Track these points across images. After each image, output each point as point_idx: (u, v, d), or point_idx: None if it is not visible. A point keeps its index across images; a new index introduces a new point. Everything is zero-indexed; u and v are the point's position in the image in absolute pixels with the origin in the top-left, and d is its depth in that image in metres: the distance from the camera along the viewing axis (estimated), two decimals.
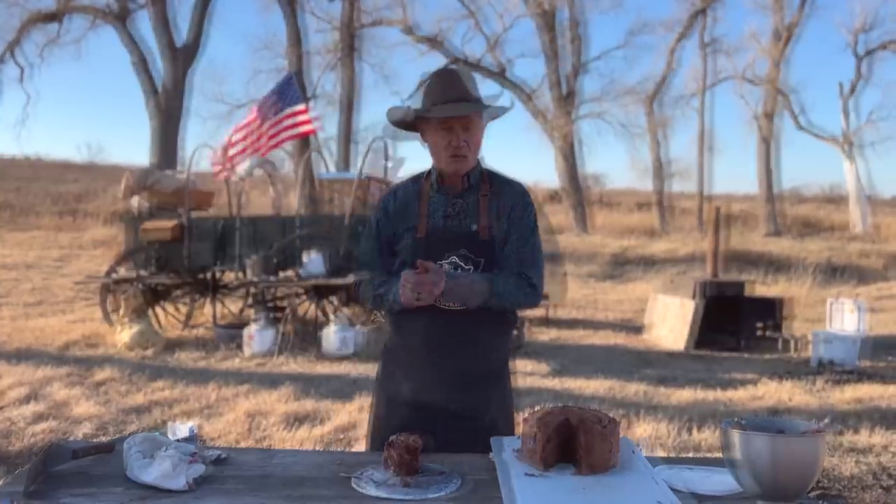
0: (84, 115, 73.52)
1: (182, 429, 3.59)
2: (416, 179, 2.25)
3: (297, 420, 4.75)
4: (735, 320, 8.54)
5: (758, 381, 6.53)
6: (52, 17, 25.58)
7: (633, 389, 6.02)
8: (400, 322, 2.18)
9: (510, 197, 2.18)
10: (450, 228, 2.15)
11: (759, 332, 8.56)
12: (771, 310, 8.64)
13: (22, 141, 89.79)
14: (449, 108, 2.08)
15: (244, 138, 8.74)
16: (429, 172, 2.23)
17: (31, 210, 24.49)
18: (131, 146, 67.59)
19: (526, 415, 1.81)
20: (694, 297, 8.33)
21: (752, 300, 8.84)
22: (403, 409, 2.15)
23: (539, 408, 1.77)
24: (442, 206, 2.17)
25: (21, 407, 4.80)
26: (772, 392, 6.05)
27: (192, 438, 3.52)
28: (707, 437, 4.69)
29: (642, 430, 4.71)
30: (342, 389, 5.69)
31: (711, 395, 5.95)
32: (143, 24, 25.90)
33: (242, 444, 4.27)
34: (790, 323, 8.99)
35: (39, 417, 4.57)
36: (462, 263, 2.12)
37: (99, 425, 4.51)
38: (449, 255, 2.13)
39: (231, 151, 8.85)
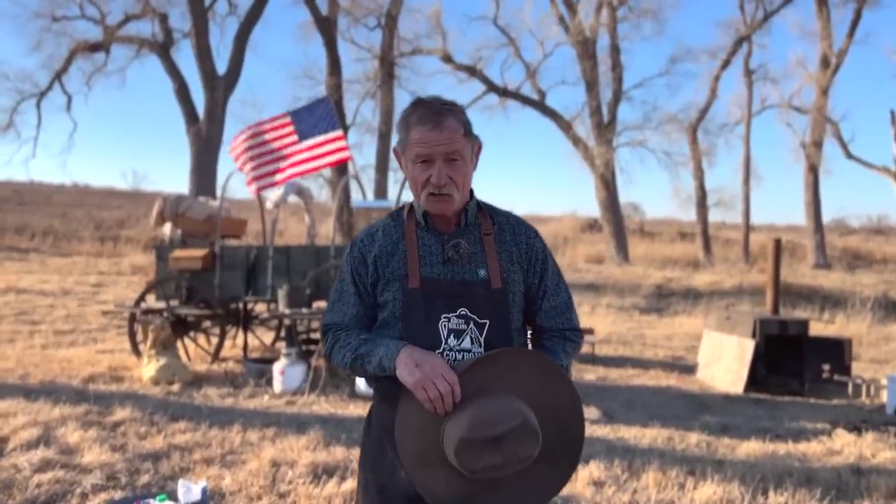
0: (129, 142, 75.56)
1: (194, 490, 3.20)
2: (396, 217, 1.84)
3: (325, 472, 4.32)
4: (797, 361, 7.90)
5: (831, 431, 5.92)
6: (99, 46, 26.13)
7: (695, 440, 5.46)
8: (389, 393, 1.74)
9: (522, 241, 1.82)
10: (451, 276, 1.73)
11: (825, 375, 7.90)
12: (837, 350, 7.98)
13: (68, 168, 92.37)
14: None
15: (275, 149, 8.40)
16: (411, 207, 1.82)
17: (74, 236, 24.79)
18: (174, 173, 69.00)
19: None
20: (754, 335, 7.74)
21: (816, 339, 8.19)
22: (402, 502, 1.75)
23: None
24: (436, 247, 1.76)
25: (29, 452, 4.44)
26: (850, 446, 5.44)
27: (203, 502, 3.11)
28: (784, 500, 4.14)
29: (711, 492, 4.18)
30: None
31: (782, 447, 5.37)
32: (186, 52, 26.34)
33: (264, 500, 3.86)
34: (857, 364, 8.33)
35: (47, 465, 4.21)
36: (463, 326, 1.72)
37: (110, 475, 4.13)
38: (449, 313, 1.71)
39: (257, 169, 8.50)
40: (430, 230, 1.79)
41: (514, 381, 1.63)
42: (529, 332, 1.93)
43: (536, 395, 1.64)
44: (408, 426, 1.65)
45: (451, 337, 1.73)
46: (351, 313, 1.83)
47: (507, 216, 1.88)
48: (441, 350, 1.72)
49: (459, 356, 1.72)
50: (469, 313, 1.72)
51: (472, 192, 1.84)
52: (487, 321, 1.73)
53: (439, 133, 1.71)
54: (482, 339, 1.73)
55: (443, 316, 1.72)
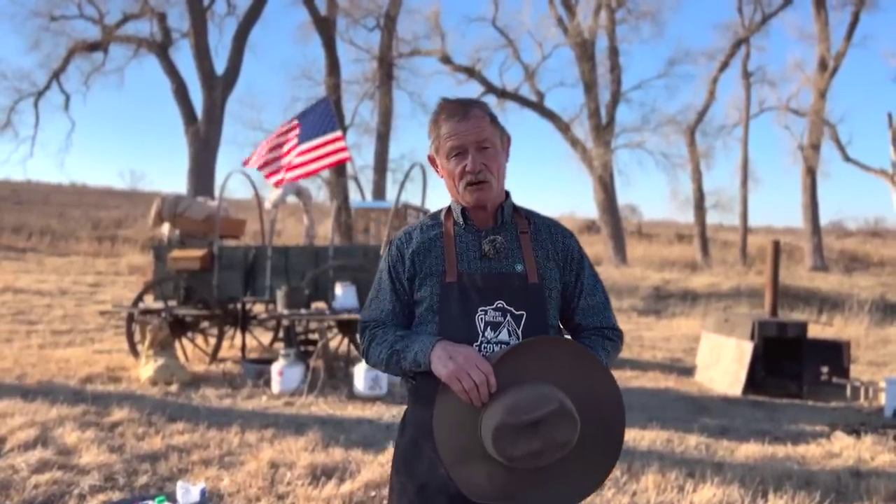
0: (127, 142, 75.60)
1: (193, 491, 3.18)
2: (434, 217, 1.89)
3: (323, 473, 4.30)
4: (795, 363, 7.90)
5: (829, 434, 5.91)
6: (97, 46, 26.07)
7: (694, 442, 5.46)
8: (424, 393, 1.75)
9: (559, 240, 1.85)
10: (488, 270, 1.76)
11: (823, 378, 7.90)
12: (836, 352, 7.98)
13: (66, 168, 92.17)
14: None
15: (280, 154, 8.40)
16: (449, 210, 1.86)
17: (72, 235, 24.72)
18: (172, 173, 68.90)
19: None
20: (752, 337, 7.73)
21: (815, 342, 8.19)
22: (443, 500, 1.73)
23: None
24: (474, 244, 1.79)
25: (26, 453, 4.42)
26: (849, 449, 5.43)
27: (203, 503, 3.09)
28: (784, 503, 4.13)
29: (710, 495, 4.17)
30: (373, 436, 5.25)
31: (781, 450, 5.36)
32: (184, 52, 26.33)
33: (263, 502, 3.84)
34: (855, 366, 8.33)
35: (44, 465, 4.19)
36: (500, 318, 1.73)
37: (108, 476, 4.12)
38: (486, 306, 1.73)
39: (268, 162, 8.51)
40: (468, 228, 1.82)
41: (549, 369, 1.62)
42: (567, 335, 1.94)
43: (572, 382, 1.62)
44: (446, 422, 1.63)
45: (489, 329, 1.73)
46: (387, 309, 1.86)
47: (543, 218, 1.92)
48: (478, 343, 1.72)
49: (497, 348, 1.71)
50: (506, 305, 1.73)
51: (508, 193, 1.88)
52: (524, 313, 1.74)
53: (467, 122, 1.77)
54: (519, 332, 1.73)
55: (479, 309, 1.73)
